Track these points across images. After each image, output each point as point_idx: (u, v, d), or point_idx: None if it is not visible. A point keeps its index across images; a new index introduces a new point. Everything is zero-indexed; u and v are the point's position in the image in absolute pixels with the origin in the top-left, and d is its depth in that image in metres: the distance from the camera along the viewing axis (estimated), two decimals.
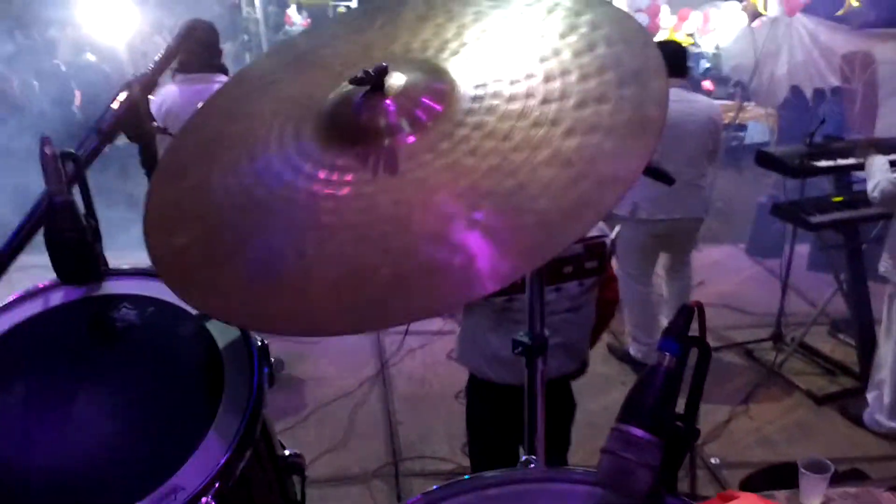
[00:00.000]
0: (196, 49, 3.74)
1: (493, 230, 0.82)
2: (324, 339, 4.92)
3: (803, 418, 4.06)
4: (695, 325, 1.02)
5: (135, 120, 1.27)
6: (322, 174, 0.95)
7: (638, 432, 0.96)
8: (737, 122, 8.80)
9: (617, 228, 3.41)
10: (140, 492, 0.97)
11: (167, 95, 3.80)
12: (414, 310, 0.81)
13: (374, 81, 0.96)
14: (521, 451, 1.59)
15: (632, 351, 4.55)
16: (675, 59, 3.98)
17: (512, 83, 0.96)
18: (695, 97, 4.18)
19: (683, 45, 4.91)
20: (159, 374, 1.15)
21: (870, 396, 3.95)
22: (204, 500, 0.97)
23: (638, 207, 4.14)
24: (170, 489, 0.98)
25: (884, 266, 3.76)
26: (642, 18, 9.33)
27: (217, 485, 0.99)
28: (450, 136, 0.93)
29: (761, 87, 8.96)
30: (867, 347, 4.13)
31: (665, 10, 10.07)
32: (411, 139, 0.94)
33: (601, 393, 3.87)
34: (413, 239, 0.85)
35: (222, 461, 1.01)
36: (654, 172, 1.64)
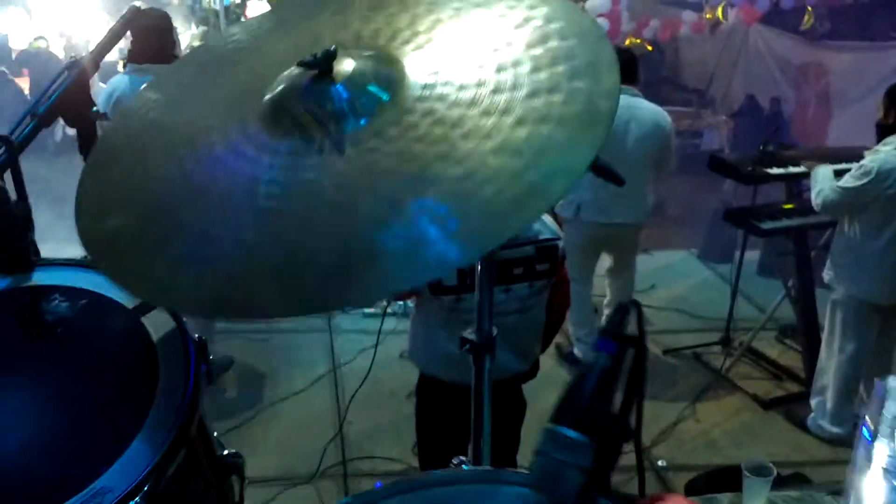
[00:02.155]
0: (147, 38, 3.64)
1: (440, 217, 0.80)
2: (275, 337, 4.86)
3: (749, 422, 4.12)
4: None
5: (74, 104, 1.22)
6: (266, 159, 0.91)
7: (569, 433, 0.94)
8: (693, 129, 8.93)
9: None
10: (67, 493, 0.93)
11: (117, 85, 3.70)
12: (358, 295, 0.78)
13: (323, 66, 0.94)
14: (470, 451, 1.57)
15: (576, 351, 4.58)
16: (627, 65, 4.00)
17: (463, 72, 0.94)
18: (642, 103, 4.18)
19: (635, 52, 4.95)
20: (91, 369, 1.09)
21: (813, 402, 4.02)
22: (133, 502, 0.93)
23: (580, 209, 4.17)
24: (97, 491, 0.93)
25: (827, 275, 3.84)
26: (602, 23, 9.41)
27: (146, 487, 0.95)
28: (398, 122, 0.90)
29: (718, 95, 9.11)
30: (813, 353, 4.20)
31: (625, 17, 10.17)
32: (358, 125, 0.92)
33: (552, 393, 3.84)
34: (357, 224, 0.83)
35: (153, 462, 0.96)
36: (605, 172, 1.63)
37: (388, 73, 0.96)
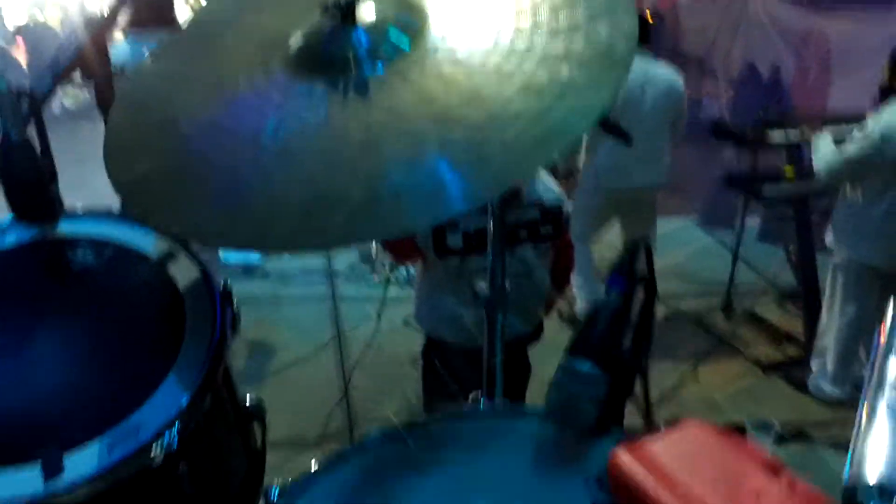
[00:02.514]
0: (146, 3, 3.64)
1: (463, 157, 0.83)
2: (279, 306, 4.90)
3: (750, 385, 4.17)
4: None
5: (93, 55, 1.23)
6: (291, 103, 0.94)
7: (584, 366, 0.98)
8: (693, 97, 8.88)
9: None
10: (100, 429, 0.96)
11: (119, 53, 3.70)
12: (384, 229, 0.81)
13: (345, 12, 0.95)
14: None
15: (577, 309, 4.64)
16: (640, 27, 4.00)
17: (484, 15, 0.96)
18: (656, 66, 4.21)
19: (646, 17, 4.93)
20: (119, 316, 1.12)
21: (814, 364, 4.07)
22: (167, 438, 0.96)
23: (599, 175, 4.20)
24: (131, 427, 0.96)
25: (828, 239, 3.86)
26: None
27: (178, 424, 0.98)
28: (421, 66, 0.92)
29: (718, 63, 9.07)
30: (813, 317, 4.24)
31: None
32: (381, 69, 0.93)
33: (554, 359, 3.91)
34: (383, 164, 0.85)
35: (185, 401, 0.99)
36: (614, 129, 1.65)
37: (409, 18, 0.98)
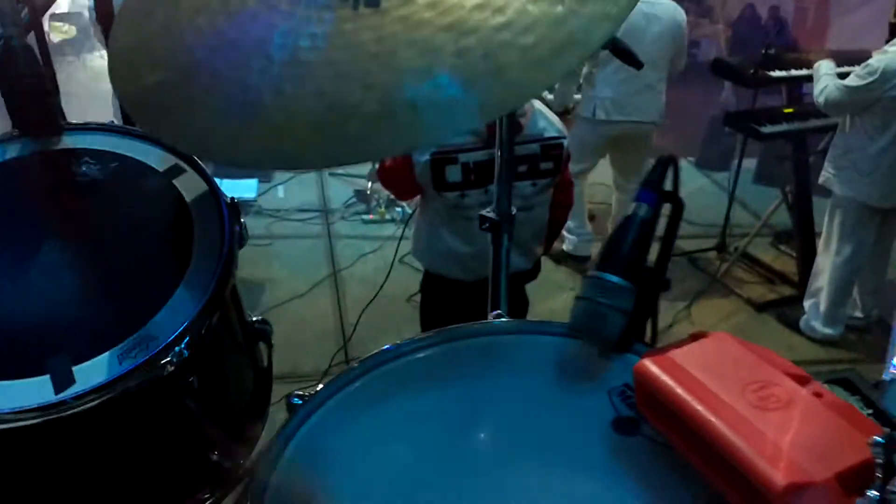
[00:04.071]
0: None
1: (480, 66, 0.81)
2: (275, 243, 4.89)
3: (743, 324, 4.22)
4: None
5: None
6: (300, 12, 0.91)
7: (612, 278, 0.98)
8: (691, 38, 8.78)
9: None
10: (112, 340, 0.96)
11: None
12: (400, 143, 0.80)
13: None
14: None
15: (565, 246, 4.66)
16: None
17: None
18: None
19: None
20: (127, 228, 1.11)
21: (807, 304, 4.11)
22: (178, 349, 0.97)
23: (597, 107, 4.18)
24: (142, 337, 0.96)
25: (824, 175, 3.86)
26: None
27: (189, 337, 0.98)
28: None
29: (716, 3, 8.95)
30: (807, 258, 4.27)
31: None
32: None
33: (549, 297, 3.95)
34: (398, 75, 0.83)
35: (194, 313, 1.00)
36: (624, 53, 1.63)
37: None
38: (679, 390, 0.83)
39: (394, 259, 3.41)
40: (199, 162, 1.13)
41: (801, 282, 4.33)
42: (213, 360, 1.07)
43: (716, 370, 0.86)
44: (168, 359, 0.95)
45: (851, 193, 3.75)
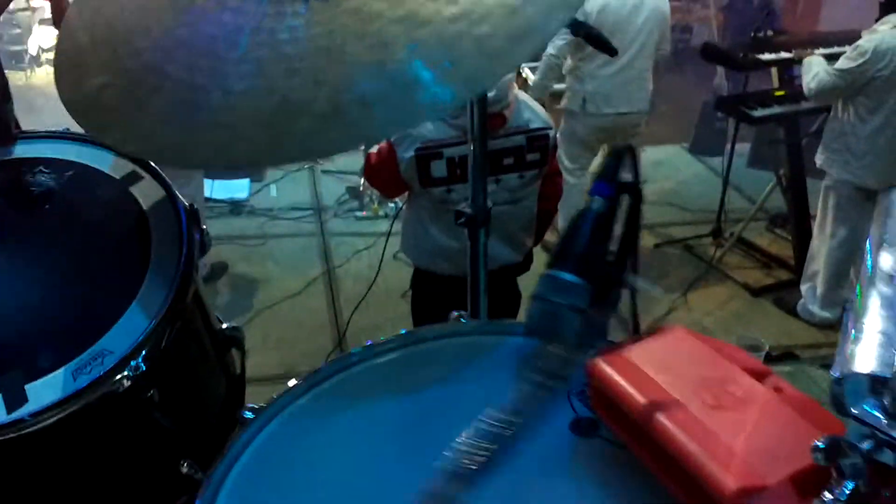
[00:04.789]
0: None
1: (434, 58, 0.77)
2: (268, 242, 4.85)
3: (739, 309, 4.18)
4: None
5: None
6: (250, 7, 0.88)
7: (566, 276, 0.93)
8: (683, 23, 8.73)
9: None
10: (67, 355, 0.93)
11: None
12: (351, 140, 0.76)
13: None
14: None
15: None
16: None
17: None
18: None
19: None
20: (83, 238, 1.08)
21: (803, 288, 4.07)
22: (134, 363, 0.93)
23: (586, 101, 4.14)
24: (97, 352, 0.93)
25: (820, 159, 3.83)
26: None
27: (145, 350, 0.95)
28: None
29: None
30: (803, 241, 4.23)
31: None
32: None
33: None
34: (349, 70, 0.80)
35: (151, 325, 0.96)
36: (597, 41, 1.60)
37: None
38: (630, 390, 0.80)
39: (382, 255, 3.37)
40: (158, 168, 1.10)
41: (798, 266, 4.29)
42: (176, 370, 1.04)
43: (671, 368, 0.83)
44: (125, 373, 0.92)
45: (846, 176, 3.70)
